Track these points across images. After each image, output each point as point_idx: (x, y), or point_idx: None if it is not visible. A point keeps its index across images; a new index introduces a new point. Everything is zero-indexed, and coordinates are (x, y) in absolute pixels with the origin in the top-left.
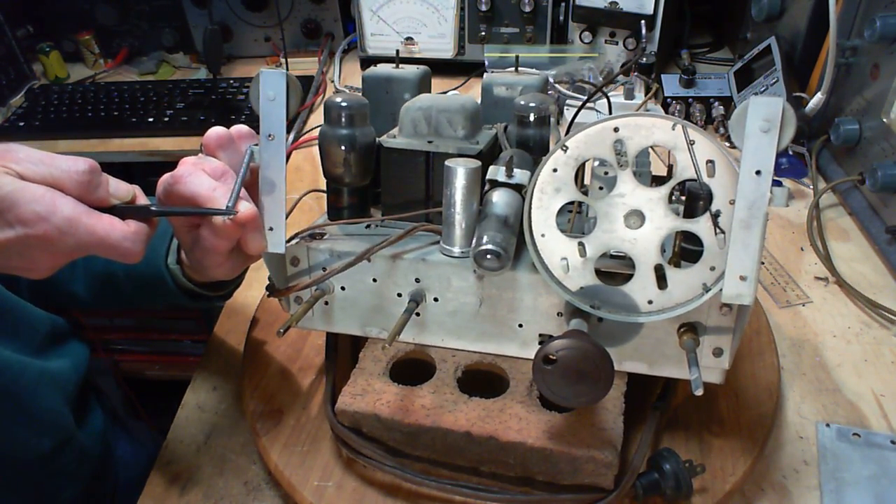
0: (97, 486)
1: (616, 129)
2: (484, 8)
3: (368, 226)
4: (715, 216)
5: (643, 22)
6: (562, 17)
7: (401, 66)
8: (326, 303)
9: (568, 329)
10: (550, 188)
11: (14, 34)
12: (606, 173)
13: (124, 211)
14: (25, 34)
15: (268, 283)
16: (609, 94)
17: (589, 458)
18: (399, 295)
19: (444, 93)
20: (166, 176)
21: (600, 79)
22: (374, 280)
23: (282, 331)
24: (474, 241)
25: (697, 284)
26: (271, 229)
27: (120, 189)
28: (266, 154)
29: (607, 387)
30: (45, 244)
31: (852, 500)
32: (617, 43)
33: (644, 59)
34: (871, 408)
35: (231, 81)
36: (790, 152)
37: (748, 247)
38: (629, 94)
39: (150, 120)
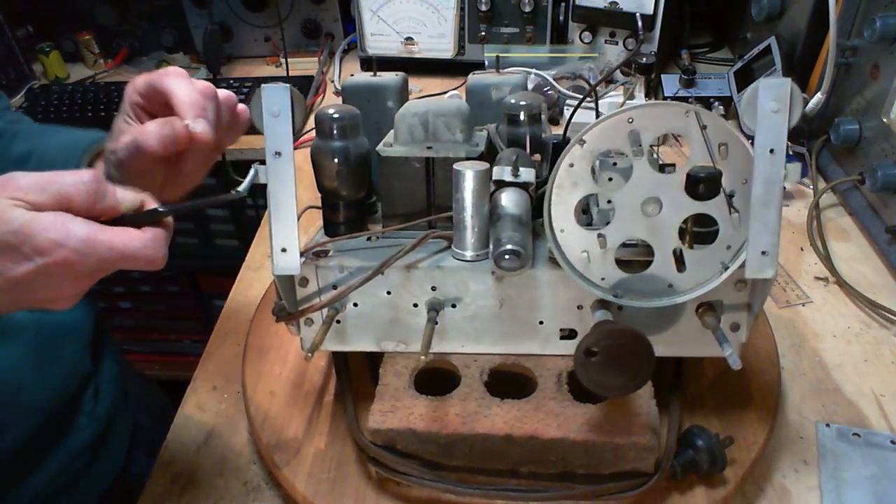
0: (115, 425)
1: (630, 120)
2: (484, 8)
3: (369, 238)
4: (729, 197)
5: (638, 15)
6: (562, 17)
7: (378, 73)
8: (338, 321)
9: (595, 321)
10: (568, 183)
11: (14, 34)
12: (615, 164)
13: (135, 219)
14: (25, 34)
15: (276, 306)
16: (609, 94)
17: (631, 445)
18: (415, 305)
19: (444, 93)
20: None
21: (600, 78)
22: (389, 293)
23: (310, 355)
24: (492, 243)
25: (715, 264)
26: (284, 250)
27: (127, 196)
28: (273, 173)
29: (650, 372)
30: (67, 270)
31: (852, 500)
32: (617, 43)
33: (644, 59)
34: (871, 408)
35: (231, 81)
36: (790, 152)
37: (767, 223)
38: (629, 94)
39: None
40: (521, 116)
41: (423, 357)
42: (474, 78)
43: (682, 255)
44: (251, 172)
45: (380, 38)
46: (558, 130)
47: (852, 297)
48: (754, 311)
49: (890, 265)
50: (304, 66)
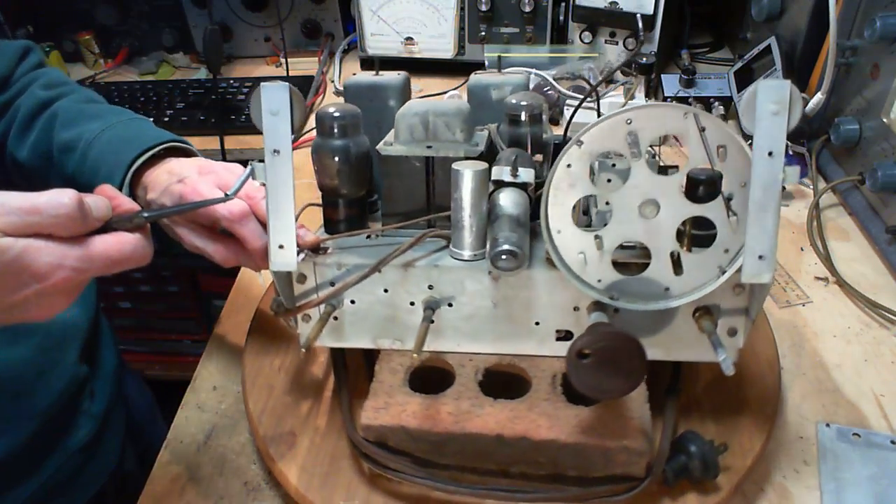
0: (110, 423)
1: (629, 121)
2: (484, 8)
3: (369, 236)
4: (728, 200)
5: (639, 16)
6: (562, 17)
7: (381, 72)
8: (335, 318)
9: (590, 322)
10: (565, 184)
11: (14, 34)
12: (614, 165)
13: (121, 226)
14: (25, 34)
15: (274, 302)
16: (609, 94)
17: (622, 449)
18: (412, 304)
19: (444, 93)
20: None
21: (600, 78)
22: (385, 291)
23: (304, 350)
24: (489, 242)
25: (713, 267)
26: (281, 247)
27: (100, 207)
28: (272, 171)
29: (641, 376)
30: (65, 287)
31: (852, 500)
32: (617, 43)
33: (644, 59)
34: (871, 408)
35: (231, 81)
36: (790, 152)
37: (765, 227)
38: (630, 95)
39: (150, 120)
40: (522, 116)
41: (415, 355)
42: (475, 78)
43: (679, 258)
44: (245, 171)
45: (380, 38)
46: (559, 131)
47: (852, 297)
48: (752, 316)
49: (890, 265)
50: (304, 66)
